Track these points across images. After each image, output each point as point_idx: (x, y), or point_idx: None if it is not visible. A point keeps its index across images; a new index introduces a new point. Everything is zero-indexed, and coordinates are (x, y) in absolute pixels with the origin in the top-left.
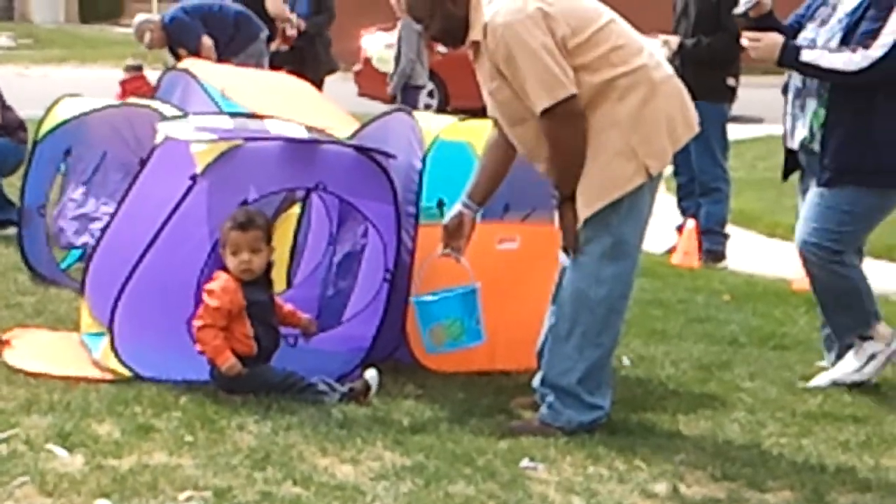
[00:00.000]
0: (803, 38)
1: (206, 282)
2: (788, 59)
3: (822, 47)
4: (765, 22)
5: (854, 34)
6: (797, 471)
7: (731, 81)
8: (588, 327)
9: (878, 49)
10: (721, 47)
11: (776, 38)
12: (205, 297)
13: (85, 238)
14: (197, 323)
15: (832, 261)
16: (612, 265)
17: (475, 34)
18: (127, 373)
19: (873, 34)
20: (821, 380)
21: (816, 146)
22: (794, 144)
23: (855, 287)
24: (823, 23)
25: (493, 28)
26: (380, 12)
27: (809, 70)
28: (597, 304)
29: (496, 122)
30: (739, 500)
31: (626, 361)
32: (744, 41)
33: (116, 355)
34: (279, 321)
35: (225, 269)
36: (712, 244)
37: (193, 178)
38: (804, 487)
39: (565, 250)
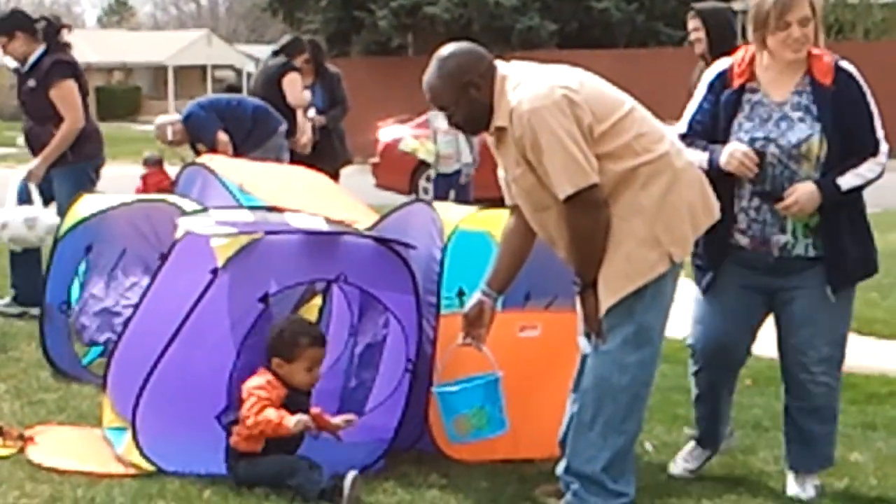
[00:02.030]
0: (747, 137)
1: (239, 382)
2: (834, 197)
3: (795, 146)
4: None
5: (836, 131)
6: None
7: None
8: (612, 415)
9: (883, 144)
10: None
11: (808, 188)
12: (253, 392)
13: (108, 334)
14: (250, 417)
15: (837, 375)
16: (636, 352)
17: (500, 120)
18: (150, 467)
19: (872, 133)
20: None
21: (804, 250)
22: (773, 250)
23: (839, 399)
24: (764, 121)
25: (520, 114)
26: (393, 105)
27: (848, 195)
28: (620, 391)
29: (513, 209)
30: None
31: (648, 447)
32: (781, 207)
33: (139, 450)
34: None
35: (269, 368)
36: None
37: (214, 271)
38: None
39: (587, 337)
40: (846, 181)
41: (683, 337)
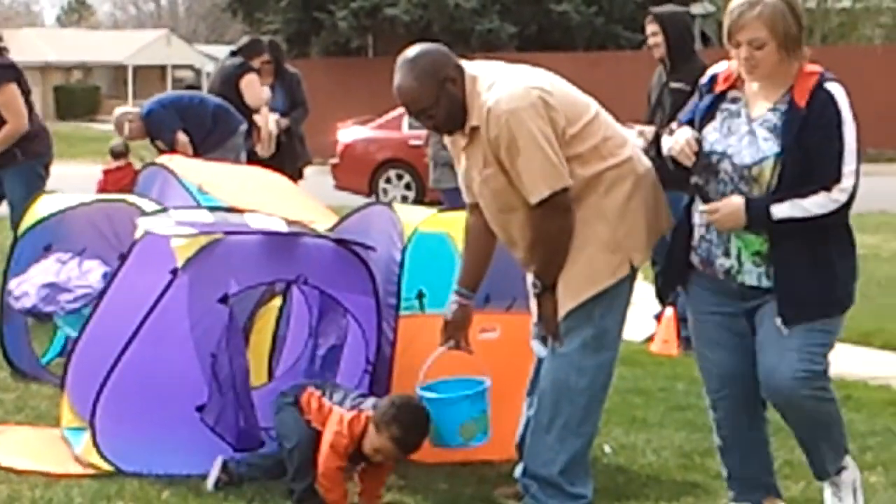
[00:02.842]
0: (708, 147)
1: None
2: (760, 221)
3: (747, 168)
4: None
5: (795, 156)
6: None
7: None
8: (569, 417)
9: (848, 179)
10: None
11: (735, 204)
12: (336, 436)
13: (53, 307)
14: (328, 461)
15: (824, 386)
16: (594, 356)
17: (473, 119)
18: (109, 468)
19: (836, 164)
20: None
21: (756, 280)
22: (718, 274)
23: (836, 407)
24: (729, 135)
25: (497, 114)
26: (353, 106)
27: (785, 225)
28: (578, 394)
29: (473, 208)
30: None
31: (607, 450)
32: (702, 215)
33: (98, 450)
34: None
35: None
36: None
37: (174, 272)
38: None
39: (543, 340)
40: (781, 210)
41: (642, 339)
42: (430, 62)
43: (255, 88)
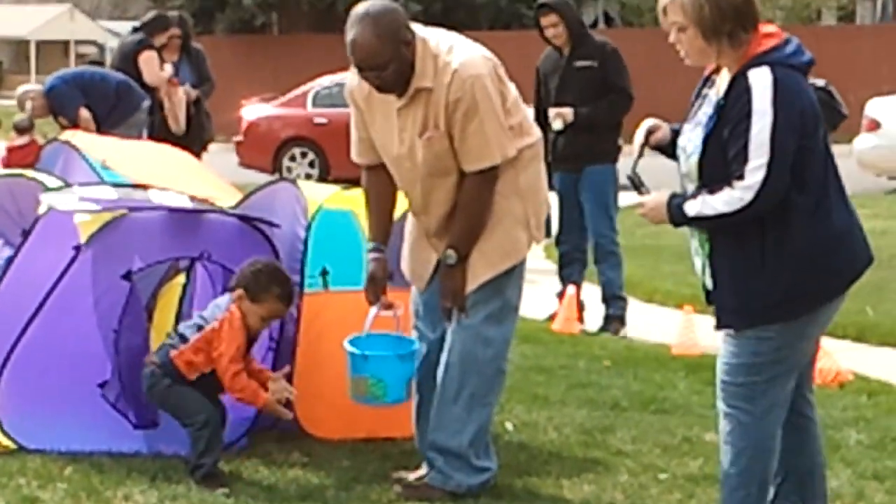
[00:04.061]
0: (679, 146)
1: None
2: (678, 218)
3: (685, 163)
4: (670, 148)
5: (714, 150)
6: None
7: (619, 141)
8: (477, 388)
9: (752, 175)
10: (615, 109)
11: (660, 199)
12: (224, 334)
13: None
14: (228, 372)
15: (736, 405)
16: (499, 327)
17: (425, 81)
18: (11, 444)
19: (741, 158)
20: None
21: (708, 281)
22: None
23: (755, 435)
24: (696, 126)
25: (463, 77)
26: (257, 84)
27: (701, 223)
28: (485, 364)
29: (371, 169)
30: None
31: (509, 427)
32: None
33: (0, 427)
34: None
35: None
36: (615, 310)
37: (77, 248)
38: None
39: (447, 313)
40: (692, 206)
41: (544, 317)
42: (390, 21)
43: (152, 66)
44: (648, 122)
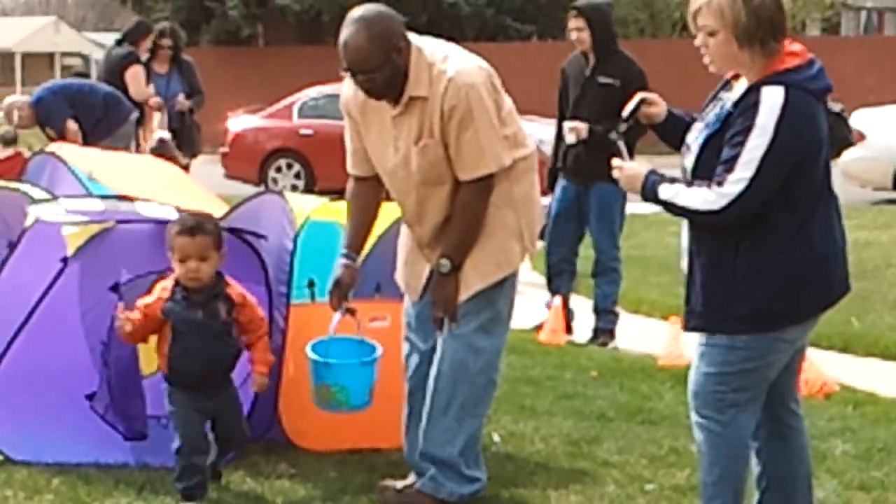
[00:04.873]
0: (686, 141)
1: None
2: (649, 194)
3: (686, 157)
4: (666, 133)
5: (712, 153)
6: None
7: (610, 135)
8: (467, 398)
9: (732, 185)
10: (630, 133)
11: (639, 169)
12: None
13: None
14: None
15: (706, 415)
16: (489, 338)
17: (419, 90)
18: None
19: (728, 166)
20: None
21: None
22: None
23: (723, 447)
24: (699, 130)
25: (459, 85)
26: (243, 95)
27: (668, 208)
28: (476, 374)
29: (359, 180)
30: None
31: (496, 438)
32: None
33: None
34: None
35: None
36: (606, 323)
37: (65, 260)
38: None
39: (439, 323)
40: (665, 190)
41: (531, 327)
42: (385, 28)
43: (139, 81)
44: (644, 94)
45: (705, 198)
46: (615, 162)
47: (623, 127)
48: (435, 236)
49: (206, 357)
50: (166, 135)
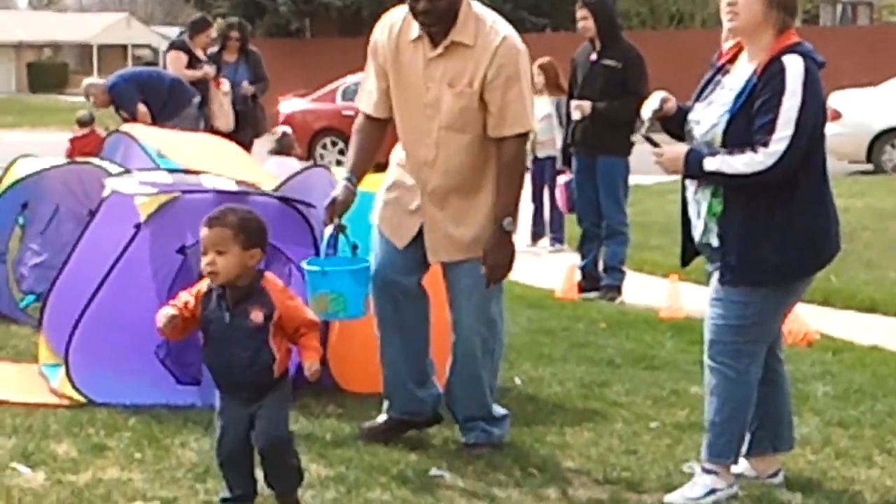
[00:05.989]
0: (690, 118)
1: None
2: (693, 170)
3: (705, 134)
4: (670, 123)
5: (741, 122)
6: (668, 474)
7: (633, 138)
8: (490, 367)
9: (776, 144)
10: (629, 109)
11: (679, 151)
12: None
13: (44, 286)
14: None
15: (723, 362)
16: (497, 304)
17: (464, 36)
18: (81, 398)
19: (768, 128)
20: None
21: (713, 240)
22: (697, 235)
23: (740, 390)
24: (710, 104)
25: (511, 45)
26: (292, 82)
27: (715, 178)
28: (494, 343)
29: (369, 118)
30: (619, 500)
31: (518, 381)
32: (653, 158)
33: (72, 383)
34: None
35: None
36: (614, 280)
37: (137, 226)
38: (676, 489)
39: (492, 278)
40: (710, 163)
41: (549, 287)
42: None
43: (177, 65)
44: (661, 94)
45: (752, 160)
46: (654, 150)
47: (646, 125)
48: (442, 185)
49: (222, 361)
50: (287, 129)
